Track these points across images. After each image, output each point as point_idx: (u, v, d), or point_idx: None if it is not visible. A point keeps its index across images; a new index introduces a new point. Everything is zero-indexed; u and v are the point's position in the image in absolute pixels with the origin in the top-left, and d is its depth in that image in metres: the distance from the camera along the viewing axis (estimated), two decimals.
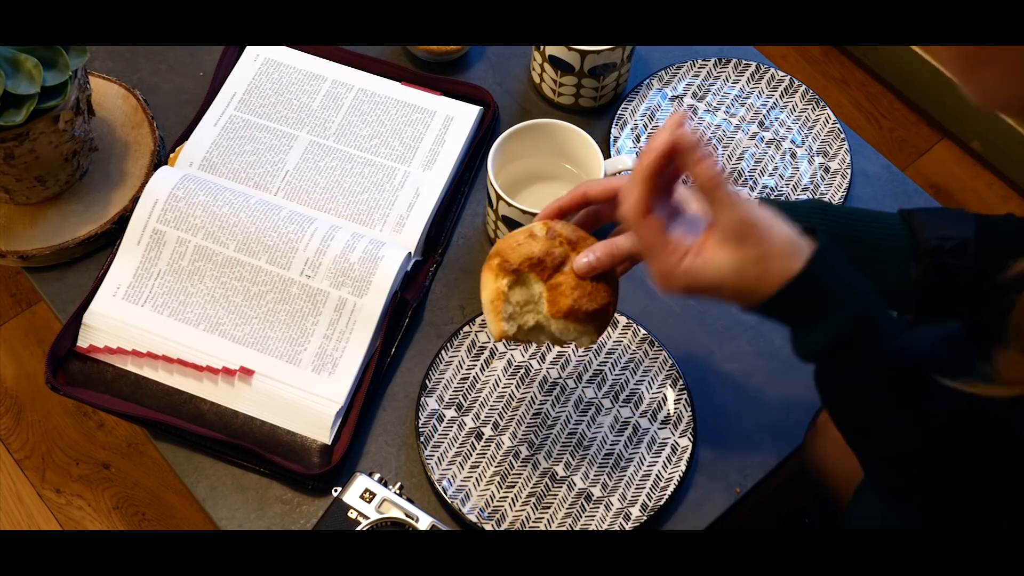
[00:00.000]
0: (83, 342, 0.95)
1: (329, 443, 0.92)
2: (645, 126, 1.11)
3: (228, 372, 0.93)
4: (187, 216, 0.97)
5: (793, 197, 1.07)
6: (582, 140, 0.99)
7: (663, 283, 0.70)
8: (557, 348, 0.97)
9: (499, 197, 0.95)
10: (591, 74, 1.06)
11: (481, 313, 0.98)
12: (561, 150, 1.01)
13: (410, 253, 0.98)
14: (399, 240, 1.00)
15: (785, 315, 0.70)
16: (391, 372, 0.97)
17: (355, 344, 0.94)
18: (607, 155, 1.07)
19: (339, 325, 0.95)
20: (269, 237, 0.96)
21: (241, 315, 0.95)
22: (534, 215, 0.94)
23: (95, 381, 0.94)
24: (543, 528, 0.90)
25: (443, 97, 1.09)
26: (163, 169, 1.00)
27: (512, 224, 0.96)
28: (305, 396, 0.92)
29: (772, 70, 1.15)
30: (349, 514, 0.86)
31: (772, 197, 1.05)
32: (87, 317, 0.96)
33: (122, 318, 0.95)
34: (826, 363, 0.71)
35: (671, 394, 0.95)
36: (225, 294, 0.96)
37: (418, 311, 1.00)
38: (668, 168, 0.70)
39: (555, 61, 1.06)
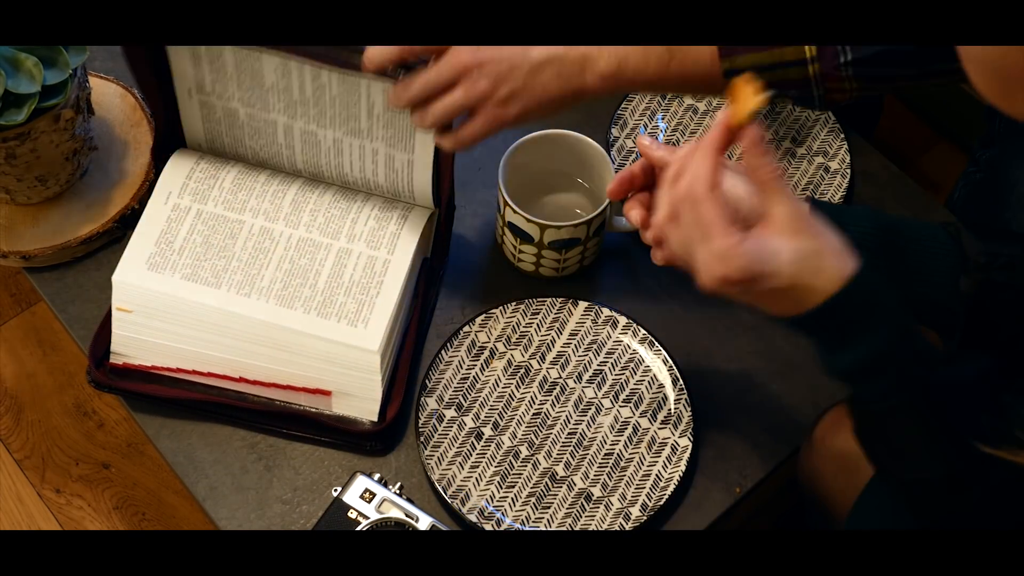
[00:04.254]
0: (116, 357, 0.95)
1: (379, 399, 0.92)
2: (645, 126, 1.11)
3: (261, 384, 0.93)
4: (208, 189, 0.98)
5: None
6: (593, 151, 0.99)
7: (720, 265, 0.66)
8: (557, 348, 0.97)
9: (507, 204, 0.95)
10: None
11: (481, 313, 0.98)
12: (571, 161, 1.01)
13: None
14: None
15: (828, 325, 0.67)
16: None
17: (384, 298, 0.94)
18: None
19: (368, 283, 0.94)
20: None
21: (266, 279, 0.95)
22: (539, 224, 0.94)
23: (135, 376, 0.95)
24: (543, 528, 0.90)
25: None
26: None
27: (517, 231, 0.96)
28: (343, 350, 0.92)
29: None
30: (349, 514, 0.86)
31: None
32: (117, 287, 0.94)
33: (150, 287, 0.94)
34: (859, 381, 0.69)
35: (671, 394, 0.95)
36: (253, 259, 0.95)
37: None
38: (728, 146, 0.68)
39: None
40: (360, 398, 0.92)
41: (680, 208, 0.69)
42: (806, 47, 0.78)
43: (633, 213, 0.78)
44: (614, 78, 0.81)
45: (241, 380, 0.93)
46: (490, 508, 0.90)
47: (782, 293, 0.67)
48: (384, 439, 0.93)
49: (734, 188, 0.72)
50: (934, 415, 0.67)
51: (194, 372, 0.93)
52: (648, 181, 0.79)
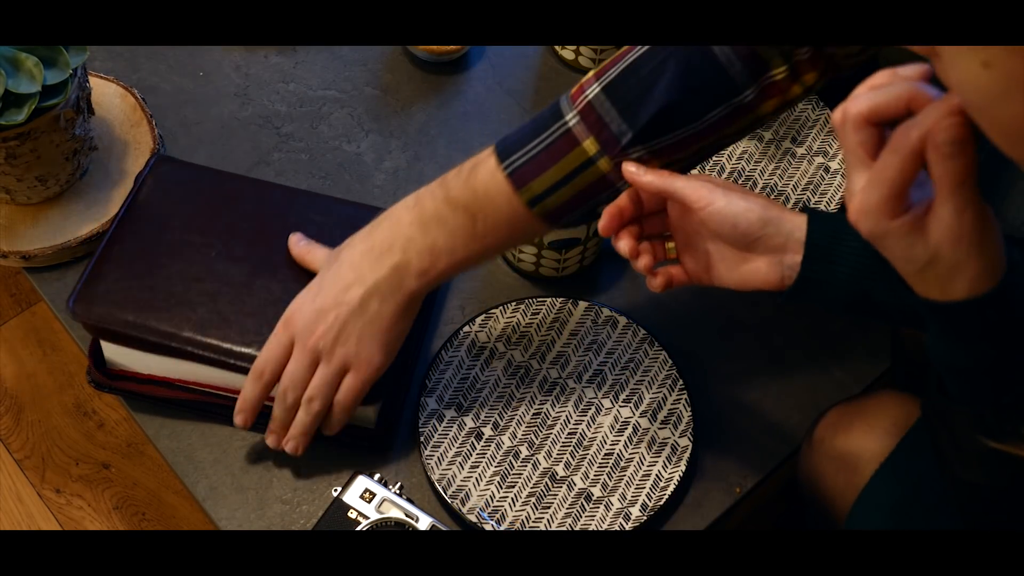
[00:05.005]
0: (113, 364, 0.95)
1: (379, 399, 0.91)
2: None
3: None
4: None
5: (793, 197, 1.07)
6: None
7: (888, 206, 0.58)
8: (557, 348, 0.98)
9: None
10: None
11: (481, 313, 0.98)
12: None
13: None
14: None
15: (969, 316, 0.61)
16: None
17: None
18: None
19: None
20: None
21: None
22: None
23: (134, 377, 0.95)
24: (543, 528, 0.90)
25: None
26: None
27: None
28: None
29: None
30: (349, 514, 0.86)
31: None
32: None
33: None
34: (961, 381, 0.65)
35: (671, 394, 0.95)
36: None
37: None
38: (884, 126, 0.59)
39: None
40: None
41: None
42: (585, 143, 0.76)
43: (623, 244, 0.77)
44: (434, 268, 0.82)
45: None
46: (490, 508, 0.90)
47: (937, 254, 0.59)
48: (384, 439, 0.93)
49: (731, 205, 0.74)
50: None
51: (192, 383, 0.93)
52: (637, 212, 0.78)
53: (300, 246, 0.91)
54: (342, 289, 0.83)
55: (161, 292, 0.92)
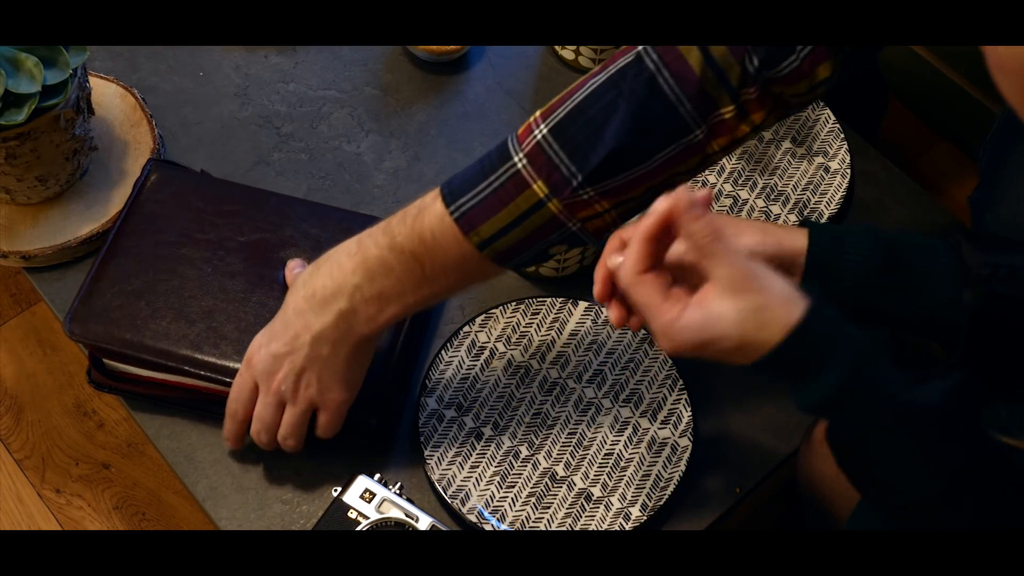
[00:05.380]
0: (112, 366, 0.95)
1: (379, 398, 0.91)
2: None
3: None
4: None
5: (793, 197, 1.08)
6: None
7: (666, 340, 0.70)
8: (557, 348, 0.98)
9: None
10: None
11: (481, 313, 0.98)
12: None
13: None
14: None
15: (786, 368, 0.69)
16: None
17: None
18: None
19: None
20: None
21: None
22: None
23: (133, 379, 0.95)
24: (543, 528, 0.90)
25: None
26: None
27: None
28: None
29: None
30: (349, 514, 0.86)
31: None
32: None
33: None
34: (829, 415, 0.70)
35: (671, 394, 0.95)
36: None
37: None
38: (665, 234, 0.69)
39: None
40: (360, 397, 0.92)
41: (625, 295, 0.73)
42: (535, 186, 0.75)
43: (612, 313, 0.77)
44: (383, 314, 0.81)
45: None
46: (490, 508, 0.90)
47: (735, 351, 0.68)
48: (384, 438, 0.93)
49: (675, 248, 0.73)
50: (910, 437, 0.67)
51: (190, 385, 0.93)
52: None
53: (293, 275, 0.91)
54: (292, 336, 0.82)
55: (158, 310, 0.92)
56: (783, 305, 0.67)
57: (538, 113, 0.77)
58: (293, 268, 0.92)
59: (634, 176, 0.76)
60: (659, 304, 0.69)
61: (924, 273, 0.77)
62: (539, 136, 0.75)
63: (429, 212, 0.78)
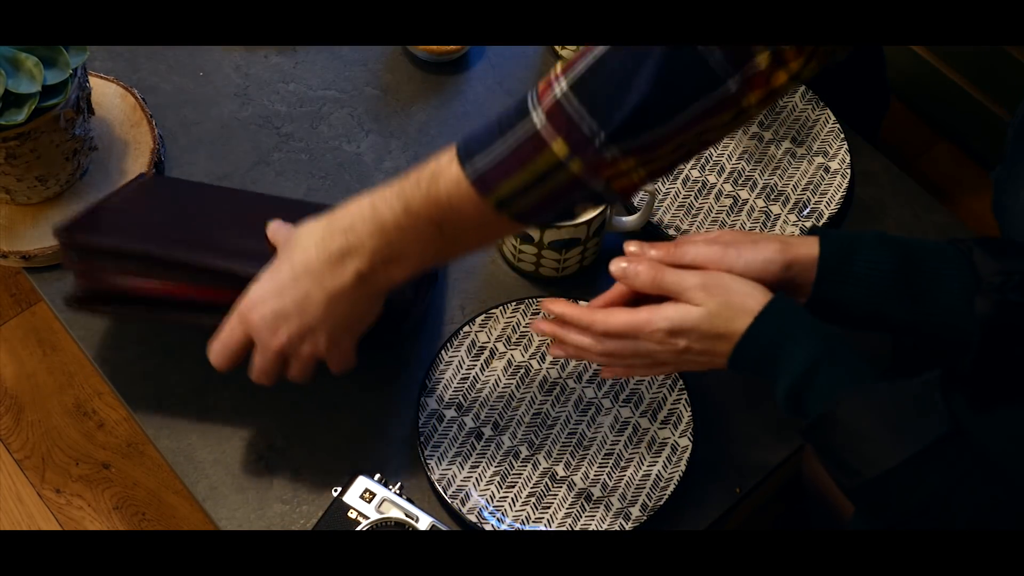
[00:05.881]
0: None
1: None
2: None
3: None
4: None
5: (793, 197, 1.07)
6: None
7: (645, 338, 0.78)
8: None
9: None
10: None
11: (481, 313, 0.98)
12: None
13: None
14: None
15: (759, 357, 0.75)
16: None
17: None
18: None
19: None
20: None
21: None
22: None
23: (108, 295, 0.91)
24: (543, 528, 0.90)
25: None
26: None
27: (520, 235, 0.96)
28: None
29: None
30: (349, 514, 0.86)
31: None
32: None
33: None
34: (806, 402, 0.73)
35: (671, 394, 0.95)
36: None
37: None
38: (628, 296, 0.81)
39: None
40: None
41: (616, 347, 0.80)
42: (554, 145, 0.72)
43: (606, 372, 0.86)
44: (402, 272, 0.79)
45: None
46: (490, 508, 0.90)
47: (712, 342, 0.76)
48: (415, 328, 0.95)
49: (750, 264, 0.79)
50: (877, 408, 0.70)
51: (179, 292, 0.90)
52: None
53: (282, 234, 0.85)
54: (303, 295, 0.79)
55: (152, 224, 0.91)
56: (750, 295, 0.75)
57: (559, 67, 0.73)
58: (277, 229, 0.85)
59: (662, 133, 0.72)
60: (635, 315, 0.78)
61: (935, 280, 0.77)
62: (558, 92, 0.72)
63: (444, 176, 0.75)
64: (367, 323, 0.84)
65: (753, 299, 0.75)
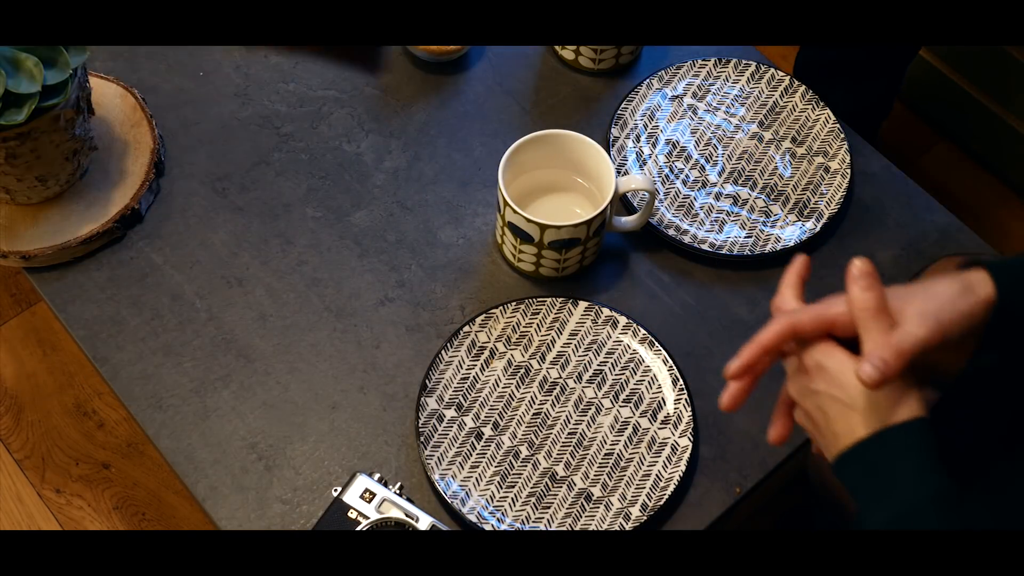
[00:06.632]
0: None
1: None
2: (645, 126, 1.11)
3: None
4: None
5: (793, 197, 1.07)
6: (593, 152, 0.99)
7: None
8: (557, 348, 0.98)
9: (507, 204, 0.95)
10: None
11: (481, 313, 0.98)
12: (571, 161, 1.01)
13: None
14: None
15: (866, 465, 0.70)
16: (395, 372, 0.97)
17: None
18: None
19: None
20: None
21: None
22: (539, 224, 0.94)
23: None
24: (543, 528, 0.90)
25: None
26: None
27: (517, 231, 0.96)
28: None
29: (772, 70, 1.15)
30: (349, 514, 0.86)
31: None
32: None
33: None
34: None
35: (671, 394, 0.95)
36: None
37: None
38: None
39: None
40: None
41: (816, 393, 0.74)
42: None
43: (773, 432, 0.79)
44: None
45: None
46: (490, 508, 0.90)
47: (842, 409, 0.70)
48: None
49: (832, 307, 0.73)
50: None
51: None
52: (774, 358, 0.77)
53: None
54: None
55: None
56: (904, 404, 0.69)
57: None
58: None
59: None
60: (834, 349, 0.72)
61: None
62: None
63: None
64: None
65: (908, 408, 0.69)
